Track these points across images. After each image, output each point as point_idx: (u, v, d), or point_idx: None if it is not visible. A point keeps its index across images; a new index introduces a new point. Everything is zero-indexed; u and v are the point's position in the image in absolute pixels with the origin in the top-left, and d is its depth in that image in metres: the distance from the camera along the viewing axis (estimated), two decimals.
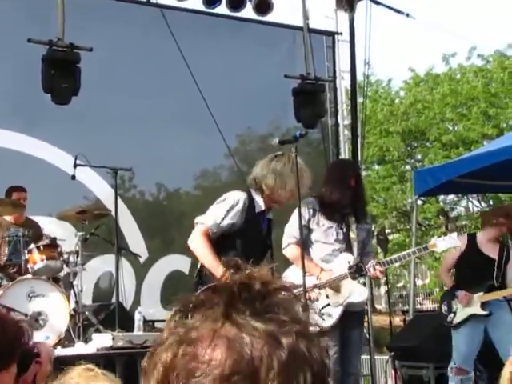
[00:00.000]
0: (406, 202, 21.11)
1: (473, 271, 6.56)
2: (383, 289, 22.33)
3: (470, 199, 21.65)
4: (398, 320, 12.07)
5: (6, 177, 7.59)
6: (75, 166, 7.13)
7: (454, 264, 6.83)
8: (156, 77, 8.87)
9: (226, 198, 4.92)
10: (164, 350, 0.94)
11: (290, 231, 5.52)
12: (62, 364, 5.50)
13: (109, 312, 7.24)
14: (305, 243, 5.43)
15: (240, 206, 4.81)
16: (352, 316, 5.46)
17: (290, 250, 5.51)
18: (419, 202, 17.41)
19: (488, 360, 6.72)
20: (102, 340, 6.07)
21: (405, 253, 5.98)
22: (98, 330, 6.70)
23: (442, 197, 20.32)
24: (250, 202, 4.86)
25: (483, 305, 6.37)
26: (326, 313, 5.19)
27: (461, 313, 6.45)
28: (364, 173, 11.44)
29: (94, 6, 8.57)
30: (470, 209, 23.13)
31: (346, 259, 5.49)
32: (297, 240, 5.42)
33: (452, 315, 6.53)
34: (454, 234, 5.76)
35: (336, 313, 5.36)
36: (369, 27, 9.49)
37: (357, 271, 5.36)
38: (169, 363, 0.92)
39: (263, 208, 4.93)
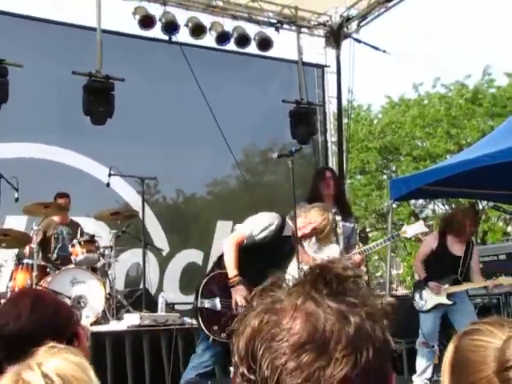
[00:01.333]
0: (383, 205, 21.15)
1: (441, 267, 6.50)
2: (364, 277, 22.27)
3: (436, 203, 21.66)
4: None
5: (53, 185, 7.60)
6: (109, 175, 7.17)
7: (426, 258, 6.70)
8: (176, 101, 8.88)
9: (266, 216, 4.73)
10: (253, 316, 0.94)
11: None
12: (99, 338, 5.56)
13: (137, 296, 7.25)
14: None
15: (274, 227, 4.62)
16: None
17: None
18: (394, 206, 17.41)
19: (450, 336, 6.74)
20: (131, 319, 6.08)
21: (381, 240, 6.02)
22: (128, 311, 6.71)
23: (413, 201, 20.34)
24: (282, 224, 4.68)
25: (448, 295, 6.34)
26: None
27: (430, 301, 6.40)
28: (348, 181, 11.41)
29: (125, 43, 8.63)
30: (436, 211, 23.14)
31: (333, 250, 5.50)
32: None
33: (423, 302, 6.47)
34: (421, 222, 5.78)
35: None
36: (352, 61, 9.51)
37: None
38: (256, 327, 0.92)
39: (290, 234, 4.72)
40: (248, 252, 4.57)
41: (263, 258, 4.53)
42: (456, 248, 6.56)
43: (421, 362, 6.50)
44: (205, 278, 4.52)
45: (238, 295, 4.41)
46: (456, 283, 6.38)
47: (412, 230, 5.56)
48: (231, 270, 4.46)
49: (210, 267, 4.97)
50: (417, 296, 6.55)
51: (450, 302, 6.32)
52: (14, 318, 2.01)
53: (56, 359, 1.28)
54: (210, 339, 4.37)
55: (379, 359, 0.91)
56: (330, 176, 5.70)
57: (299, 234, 4.68)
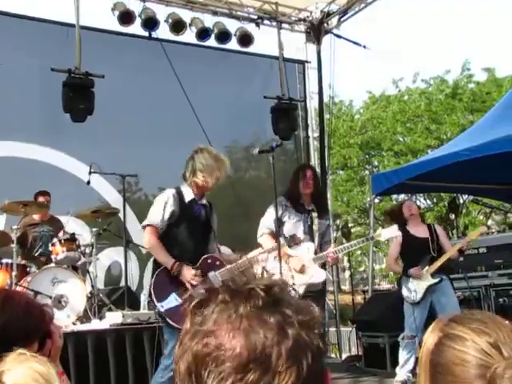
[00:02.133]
0: (365, 200, 21.19)
1: (413, 252, 6.54)
2: (347, 272, 22.40)
3: (418, 198, 21.77)
4: (359, 298, 12.08)
5: (32, 183, 7.52)
6: (90, 173, 7.10)
7: (398, 254, 6.80)
8: (156, 98, 8.82)
9: (158, 199, 4.77)
10: (190, 339, 0.93)
11: (264, 223, 5.55)
12: (81, 337, 5.50)
13: (119, 294, 7.20)
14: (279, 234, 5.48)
15: (171, 199, 4.64)
16: (312, 295, 5.43)
17: (264, 239, 5.51)
18: (376, 201, 17.47)
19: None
20: (113, 317, 6.04)
21: (355, 241, 5.99)
22: (110, 309, 6.67)
23: (394, 196, 20.42)
24: (179, 194, 4.69)
25: (432, 276, 6.35)
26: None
27: (419, 289, 6.38)
28: (330, 177, 11.43)
29: (105, 40, 8.55)
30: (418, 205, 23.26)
31: (308, 247, 5.53)
32: (270, 230, 5.49)
33: (414, 294, 6.42)
34: (395, 226, 5.79)
35: (299, 291, 5.35)
36: (333, 56, 9.52)
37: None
38: (196, 351, 0.91)
39: (193, 197, 4.74)
40: (169, 234, 4.61)
41: (185, 230, 4.63)
42: (419, 231, 6.64)
43: (403, 354, 6.53)
44: (151, 285, 4.51)
45: (188, 278, 4.46)
46: (433, 261, 6.40)
47: (386, 233, 5.60)
48: (166, 261, 4.49)
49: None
50: (405, 291, 6.52)
51: (436, 280, 6.31)
52: None
53: (20, 368, 1.25)
54: None
55: (318, 363, 0.93)
56: (311, 175, 5.71)
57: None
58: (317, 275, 5.53)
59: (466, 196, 17.79)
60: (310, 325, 0.94)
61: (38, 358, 1.32)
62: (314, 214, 5.69)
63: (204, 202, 4.87)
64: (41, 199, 7.12)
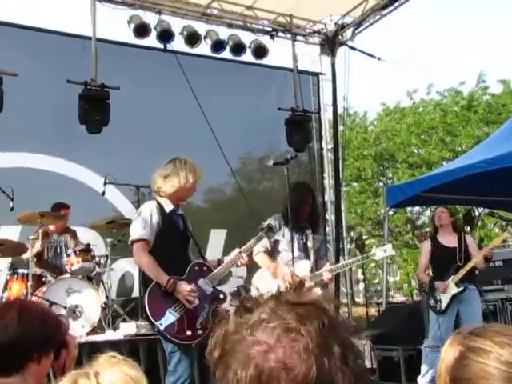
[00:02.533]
0: (379, 212, 21.13)
1: (441, 262, 6.64)
2: (361, 285, 22.30)
3: (432, 210, 21.65)
4: (373, 311, 12.04)
5: (48, 194, 7.59)
6: (105, 183, 7.15)
7: (428, 263, 6.88)
8: (171, 109, 8.87)
9: (141, 210, 4.67)
10: (246, 349, 0.89)
11: (261, 242, 5.35)
12: (95, 347, 5.53)
13: (133, 305, 7.22)
14: (274, 251, 5.56)
15: (155, 210, 4.57)
16: None
17: (260, 258, 5.53)
18: (390, 213, 17.43)
19: None
20: (127, 328, 6.05)
21: (350, 260, 6.14)
22: (124, 320, 6.69)
23: (409, 208, 20.35)
24: (160, 206, 4.62)
25: (457, 285, 6.40)
26: None
27: (444, 298, 6.44)
28: (344, 189, 11.42)
29: (120, 52, 8.64)
30: None
31: (305, 265, 5.53)
32: (265, 248, 5.52)
33: (439, 304, 6.50)
34: (389, 245, 5.77)
35: None
36: (347, 68, 9.54)
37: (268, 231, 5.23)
38: (261, 369, 0.87)
39: (172, 207, 4.68)
40: (156, 246, 4.53)
41: (169, 241, 4.55)
42: (448, 241, 6.71)
43: (425, 363, 6.50)
44: (145, 305, 4.38)
45: (185, 294, 4.37)
46: (457, 271, 6.44)
47: (381, 253, 5.55)
48: (160, 278, 4.37)
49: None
50: (431, 301, 6.58)
51: (460, 289, 6.36)
52: (2, 330, 2.01)
53: (113, 371, 1.30)
54: (193, 345, 4.35)
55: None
56: (313, 199, 5.73)
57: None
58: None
59: (482, 208, 17.68)
60: (358, 348, 0.93)
61: (129, 361, 1.37)
62: (309, 231, 5.70)
63: (181, 212, 4.83)
64: (62, 212, 7.15)
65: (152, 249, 4.50)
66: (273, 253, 5.58)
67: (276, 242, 5.56)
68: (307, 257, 5.62)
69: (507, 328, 1.25)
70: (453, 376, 1.22)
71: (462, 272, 6.39)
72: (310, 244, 5.67)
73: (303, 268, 5.53)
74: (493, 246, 6.61)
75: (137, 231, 4.53)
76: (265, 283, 5.48)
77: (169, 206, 4.66)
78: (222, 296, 4.65)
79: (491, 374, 1.16)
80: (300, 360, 0.86)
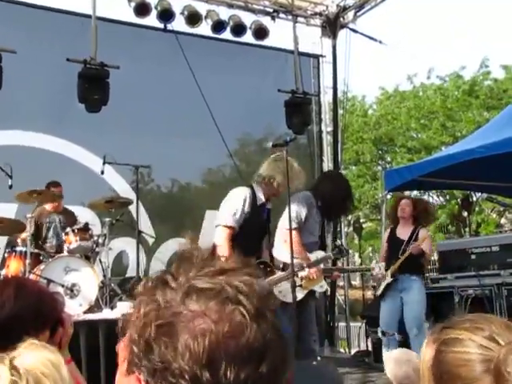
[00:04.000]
0: (376, 196, 21.16)
1: (390, 252, 7.04)
2: None
3: (431, 195, 21.70)
4: (369, 294, 12.09)
5: (45, 173, 7.58)
6: (104, 163, 7.14)
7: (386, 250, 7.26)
8: (171, 89, 8.84)
9: (236, 195, 4.71)
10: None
11: (296, 216, 5.23)
12: (93, 326, 5.56)
13: (130, 284, 7.25)
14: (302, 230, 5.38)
15: (248, 199, 4.66)
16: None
17: (295, 235, 5.38)
18: (388, 197, 17.44)
19: None
20: (125, 307, 6.07)
21: (356, 267, 6.99)
22: (121, 299, 6.72)
23: (407, 192, 20.35)
24: (253, 195, 4.71)
25: (393, 275, 6.78)
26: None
27: (381, 286, 6.92)
28: (342, 172, 11.43)
29: (120, 31, 8.60)
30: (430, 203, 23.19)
31: (317, 255, 5.43)
32: (299, 226, 5.28)
33: (376, 289, 7.18)
34: (383, 264, 6.58)
35: (301, 295, 5.31)
36: (348, 51, 9.52)
37: (338, 253, 5.39)
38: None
39: (263, 200, 4.79)
40: (237, 235, 4.61)
41: (250, 233, 4.62)
42: (402, 233, 7.02)
43: (384, 352, 6.80)
44: None
45: None
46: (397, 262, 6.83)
47: (377, 270, 6.35)
48: None
49: None
50: (375, 287, 7.28)
51: (390, 279, 6.78)
52: None
53: (30, 354, 1.30)
54: None
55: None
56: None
57: None
58: (319, 286, 5.52)
59: (479, 194, 17.71)
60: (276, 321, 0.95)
61: (48, 347, 1.37)
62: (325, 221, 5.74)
63: (269, 206, 4.90)
64: (53, 190, 7.17)
65: (234, 237, 4.58)
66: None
67: (306, 220, 5.37)
68: (322, 246, 5.59)
69: (476, 315, 1.27)
70: (434, 373, 1.24)
71: (396, 264, 6.74)
72: (326, 233, 5.68)
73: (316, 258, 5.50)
74: (417, 245, 6.76)
75: (226, 217, 4.61)
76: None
77: (261, 199, 4.75)
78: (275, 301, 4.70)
79: (470, 360, 1.18)
80: (243, 327, 0.88)
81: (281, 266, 4.90)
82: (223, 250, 4.46)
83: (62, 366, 1.32)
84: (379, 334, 7.06)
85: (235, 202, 4.66)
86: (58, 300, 2.21)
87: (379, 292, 6.98)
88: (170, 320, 0.89)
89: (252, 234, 4.67)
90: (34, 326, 2.06)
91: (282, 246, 5.18)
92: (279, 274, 4.76)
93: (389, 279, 6.80)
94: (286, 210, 5.31)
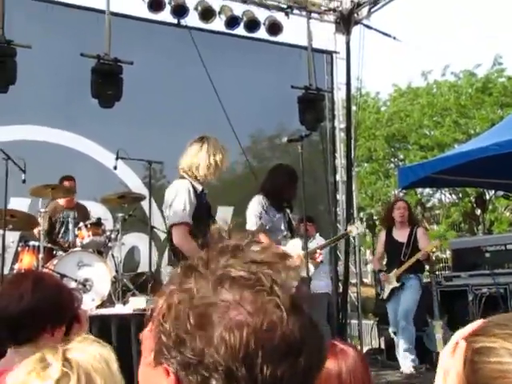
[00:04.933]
0: (389, 193, 21.10)
1: (390, 254, 7.29)
2: (369, 266, 22.31)
3: (443, 192, 21.60)
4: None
5: (59, 168, 7.61)
6: (117, 158, 7.14)
7: (383, 252, 7.47)
8: (184, 85, 8.83)
9: (178, 190, 4.57)
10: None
11: (255, 221, 5.39)
12: (105, 321, 5.58)
13: (143, 280, 7.26)
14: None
15: (192, 190, 4.53)
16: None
17: (262, 238, 5.47)
18: (401, 194, 17.40)
19: None
20: (137, 302, 6.07)
21: (333, 238, 6.88)
22: (134, 294, 6.73)
23: (420, 190, 20.29)
24: (193, 186, 4.59)
25: (398, 279, 6.99)
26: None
27: (386, 289, 7.10)
28: (356, 169, 11.39)
29: (134, 26, 8.60)
30: (443, 200, 23.09)
31: (296, 243, 5.45)
32: (261, 228, 5.34)
33: (382, 292, 7.22)
34: (360, 223, 6.97)
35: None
36: (362, 47, 9.47)
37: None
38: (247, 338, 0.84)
39: (201, 188, 4.67)
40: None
41: (200, 222, 4.50)
42: (399, 235, 7.20)
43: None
44: None
45: None
46: (401, 265, 6.99)
47: (355, 230, 5.99)
48: None
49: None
50: (379, 289, 7.33)
51: (398, 284, 6.98)
52: (16, 299, 2.03)
53: (83, 349, 1.31)
54: None
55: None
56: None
57: None
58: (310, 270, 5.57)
59: (493, 192, 17.60)
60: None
61: (101, 342, 1.38)
62: (288, 210, 5.67)
63: (206, 190, 4.80)
64: (66, 184, 7.20)
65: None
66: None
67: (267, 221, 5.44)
68: (293, 235, 5.58)
69: (503, 318, 1.20)
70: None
71: (402, 268, 6.93)
72: (294, 223, 5.66)
73: (295, 246, 5.49)
74: (425, 252, 6.93)
75: (178, 213, 4.49)
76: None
77: (199, 186, 4.64)
78: None
79: (506, 371, 1.12)
80: (279, 320, 0.84)
81: None
82: (189, 248, 4.36)
83: (112, 362, 1.33)
84: (391, 335, 7.23)
85: (180, 198, 4.52)
86: (75, 296, 2.22)
87: (385, 295, 7.14)
88: (205, 311, 0.85)
89: (203, 224, 4.49)
90: (52, 319, 2.06)
91: None
92: None
93: (395, 284, 7.00)
94: (247, 211, 5.47)
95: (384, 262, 7.62)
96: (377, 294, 7.57)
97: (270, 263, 0.89)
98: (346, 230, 6.47)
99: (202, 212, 4.61)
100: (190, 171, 4.64)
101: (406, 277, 6.98)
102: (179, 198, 4.53)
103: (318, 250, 5.59)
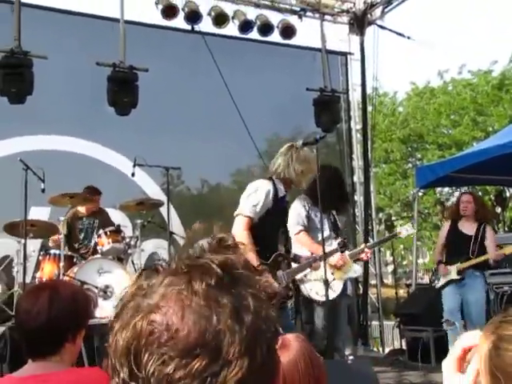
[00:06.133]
0: (408, 194, 21.00)
1: (455, 247, 6.85)
2: (389, 267, 22.22)
3: (463, 191, 21.44)
4: (402, 292, 11.98)
5: (77, 177, 7.68)
6: (134, 165, 7.17)
7: (445, 243, 7.05)
8: (199, 90, 8.88)
9: (258, 187, 4.69)
10: (132, 315, 0.83)
11: (297, 220, 5.52)
12: None
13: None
14: (309, 229, 5.54)
15: (271, 193, 4.65)
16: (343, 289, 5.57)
17: (302, 236, 5.52)
18: (419, 194, 17.29)
19: None
20: None
21: (382, 238, 6.95)
22: None
23: (438, 189, 20.17)
24: (275, 188, 4.70)
25: (459, 273, 6.63)
26: (331, 286, 5.16)
27: (442, 279, 6.80)
28: (373, 170, 11.35)
29: (148, 33, 8.66)
30: None
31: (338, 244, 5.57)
32: (304, 227, 5.50)
33: (437, 281, 6.93)
34: (410, 225, 6.19)
35: (338, 287, 5.47)
36: (376, 48, 9.44)
37: (343, 246, 5.41)
38: (139, 328, 0.81)
39: (284, 193, 4.79)
40: (257, 227, 4.59)
41: (271, 225, 4.64)
42: (467, 228, 6.84)
43: (450, 342, 6.69)
44: None
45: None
46: (467, 261, 6.63)
47: (404, 232, 5.89)
48: (251, 260, 4.36)
49: None
50: (432, 277, 7.22)
51: (458, 277, 6.63)
52: (34, 316, 2.05)
53: None
54: None
55: (273, 356, 0.86)
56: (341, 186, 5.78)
57: None
58: (353, 271, 5.68)
59: None
60: (267, 311, 0.86)
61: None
62: (334, 212, 5.76)
63: (287, 197, 4.94)
64: (88, 196, 7.19)
65: (254, 228, 4.58)
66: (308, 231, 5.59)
67: (309, 220, 5.54)
68: (338, 236, 5.64)
69: None
70: (489, 368, 1.18)
71: (467, 264, 6.60)
72: (339, 224, 5.71)
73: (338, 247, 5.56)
74: (503, 253, 6.66)
75: (247, 207, 4.62)
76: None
77: (282, 191, 4.76)
78: (290, 293, 4.79)
79: None
80: (182, 320, 0.80)
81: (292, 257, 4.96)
82: (241, 238, 4.39)
83: None
84: (443, 325, 6.82)
85: (258, 194, 4.65)
86: (91, 299, 2.24)
87: (440, 284, 6.85)
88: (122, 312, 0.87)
89: (272, 227, 4.68)
90: (71, 329, 2.08)
91: (296, 245, 5.51)
92: (295, 265, 4.81)
93: (454, 276, 6.69)
94: (290, 210, 5.51)
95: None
96: (397, 294, 7.48)
97: (195, 267, 0.88)
98: (396, 231, 6.34)
99: (277, 217, 4.73)
100: (280, 174, 4.78)
101: (470, 273, 6.65)
102: (256, 193, 4.67)
103: (367, 250, 5.62)
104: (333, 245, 5.49)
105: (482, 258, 6.55)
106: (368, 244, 5.95)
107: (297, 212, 5.54)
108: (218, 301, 0.82)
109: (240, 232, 4.52)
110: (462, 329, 6.53)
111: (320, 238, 5.46)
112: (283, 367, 1.95)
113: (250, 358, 0.81)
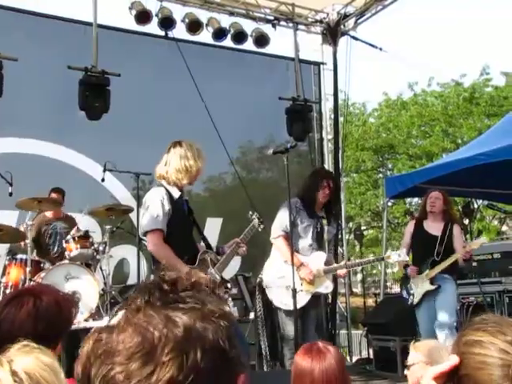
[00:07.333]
0: (378, 204, 21.18)
1: (420, 248, 6.40)
2: (359, 276, 22.37)
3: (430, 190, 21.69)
4: (370, 301, 12.08)
5: (46, 180, 7.59)
6: (104, 170, 7.12)
7: (409, 246, 6.54)
8: (172, 97, 8.86)
9: (151, 198, 4.49)
10: (88, 337, 0.95)
11: (280, 224, 5.51)
12: None
13: (132, 292, 7.21)
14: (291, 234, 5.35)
15: (166, 197, 4.44)
16: (313, 299, 5.54)
17: (279, 242, 5.52)
18: (389, 204, 17.46)
19: None
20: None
21: (366, 259, 6.44)
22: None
23: (408, 199, 20.38)
24: (169, 193, 4.50)
25: (432, 280, 6.19)
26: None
27: (417, 293, 6.30)
28: (344, 180, 11.42)
29: (121, 38, 8.62)
30: None
31: (320, 257, 5.57)
32: (285, 233, 5.46)
33: (412, 297, 6.36)
34: (404, 250, 5.85)
35: (304, 299, 5.41)
36: (349, 59, 9.52)
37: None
38: (90, 347, 0.93)
39: (179, 193, 4.56)
40: (168, 235, 4.43)
41: (179, 229, 4.47)
42: (432, 227, 6.40)
43: None
44: None
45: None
46: (434, 265, 6.21)
47: (395, 256, 5.64)
48: (180, 269, 4.03)
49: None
50: (404, 293, 6.47)
51: (434, 287, 6.18)
52: (18, 327, 2.01)
53: (27, 358, 1.28)
54: None
55: (211, 360, 0.90)
56: (333, 186, 5.70)
57: None
58: (324, 287, 5.62)
59: (481, 201, 17.70)
60: (208, 320, 0.92)
61: (42, 349, 1.36)
62: (324, 221, 5.70)
63: (186, 197, 4.76)
64: (54, 196, 7.17)
65: (166, 238, 4.40)
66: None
67: (294, 226, 5.43)
68: (321, 247, 5.61)
69: (500, 318, 1.25)
70: (458, 375, 1.22)
71: (437, 270, 6.17)
72: (325, 236, 5.66)
73: (318, 259, 5.56)
74: (470, 249, 6.12)
75: (151, 221, 4.41)
76: (277, 270, 5.51)
77: (176, 193, 4.55)
78: (229, 285, 4.67)
79: (489, 364, 1.15)
80: (124, 332, 0.91)
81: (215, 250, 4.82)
82: (162, 252, 4.33)
83: (59, 371, 1.32)
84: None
85: (154, 205, 4.44)
86: (74, 305, 2.21)
87: (417, 300, 6.31)
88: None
89: (182, 231, 4.51)
90: (52, 342, 2.05)
91: (274, 252, 5.57)
92: (221, 260, 4.64)
93: (428, 286, 6.20)
94: (276, 217, 5.56)
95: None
96: (365, 303, 7.43)
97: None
98: (384, 254, 6.00)
99: (181, 219, 4.54)
100: (165, 177, 4.57)
101: (440, 277, 6.18)
102: (151, 206, 4.45)
103: (343, 269, 5.61)
104: (312, 255, 5.50)
105: (453, 259, 6.10)
106: (348, 262, 5.87)
107: (281, 216, 5.52)
108: (156, 312, 0.92)
109: (158, 247, 4.37)
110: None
111: (300, 246, 5.52)
112: (321, 371, 2.07)
113: (181, 359, 0.88)
